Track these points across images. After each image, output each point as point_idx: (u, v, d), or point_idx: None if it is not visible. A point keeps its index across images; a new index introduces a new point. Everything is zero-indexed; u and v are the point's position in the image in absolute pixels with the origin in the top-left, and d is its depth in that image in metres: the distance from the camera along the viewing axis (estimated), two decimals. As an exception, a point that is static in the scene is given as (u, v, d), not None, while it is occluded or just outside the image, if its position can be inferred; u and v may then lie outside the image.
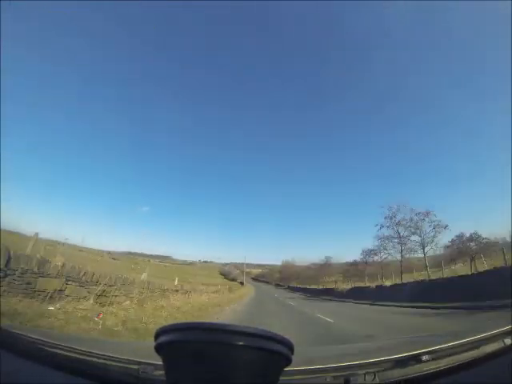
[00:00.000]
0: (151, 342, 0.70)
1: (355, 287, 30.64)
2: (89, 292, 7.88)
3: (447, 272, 21.85)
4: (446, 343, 1.26)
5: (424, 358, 1.15)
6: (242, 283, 63.27)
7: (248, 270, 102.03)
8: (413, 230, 26.67)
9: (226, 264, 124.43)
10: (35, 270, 6.48)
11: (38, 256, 6.90)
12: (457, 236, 26.51)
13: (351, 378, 1.04)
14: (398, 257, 27.84)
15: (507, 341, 1.17)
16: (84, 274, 7.95)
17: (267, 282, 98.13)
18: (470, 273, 17.55)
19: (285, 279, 76.50)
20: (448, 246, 27.17)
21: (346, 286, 34.56)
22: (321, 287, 43.35)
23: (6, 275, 5.80)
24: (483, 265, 19.71)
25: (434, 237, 25.44)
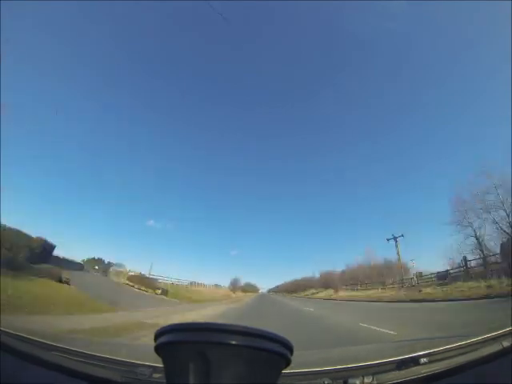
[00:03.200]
0: (149, 343, 0.70)
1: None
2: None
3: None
4: (444, 345, 1.27)
5: (422, 360, 1.16)
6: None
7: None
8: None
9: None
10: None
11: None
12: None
13: (349, 380, 1.04)
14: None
15: (505, 343, 1.17)
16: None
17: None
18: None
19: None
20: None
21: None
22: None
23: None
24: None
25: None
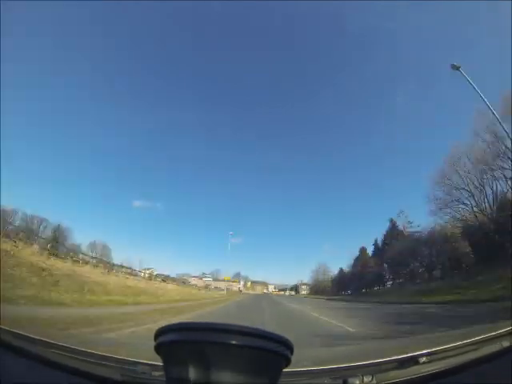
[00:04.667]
0: (149, 342, 0.70)
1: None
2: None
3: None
4: (443, 345, 1.27)
5: (422, 359, 1.15)
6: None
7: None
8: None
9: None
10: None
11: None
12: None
13: (349, 380, 1.04)
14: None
15: (505, 343, 1.17)
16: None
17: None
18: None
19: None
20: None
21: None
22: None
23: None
24: None
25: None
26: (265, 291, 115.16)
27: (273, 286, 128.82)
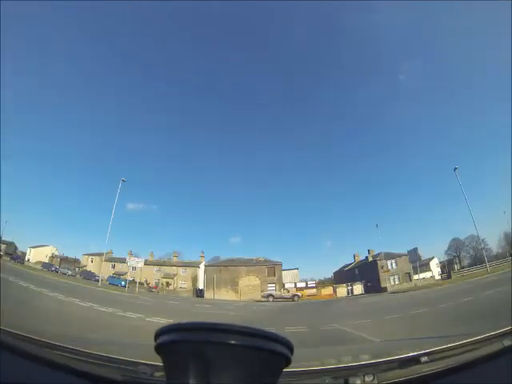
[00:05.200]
0: (150, 342, 0.70)
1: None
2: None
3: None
4: (444, 344, 1.27)
5: (423, 359, 1.15)
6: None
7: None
8: None
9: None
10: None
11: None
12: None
13: (350, 379, 1.04)
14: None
15: (506, 342, 1.17)
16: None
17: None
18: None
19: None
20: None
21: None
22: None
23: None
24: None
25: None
26: (270, 288, 39.57)
27: (294, 273, 45.46)
